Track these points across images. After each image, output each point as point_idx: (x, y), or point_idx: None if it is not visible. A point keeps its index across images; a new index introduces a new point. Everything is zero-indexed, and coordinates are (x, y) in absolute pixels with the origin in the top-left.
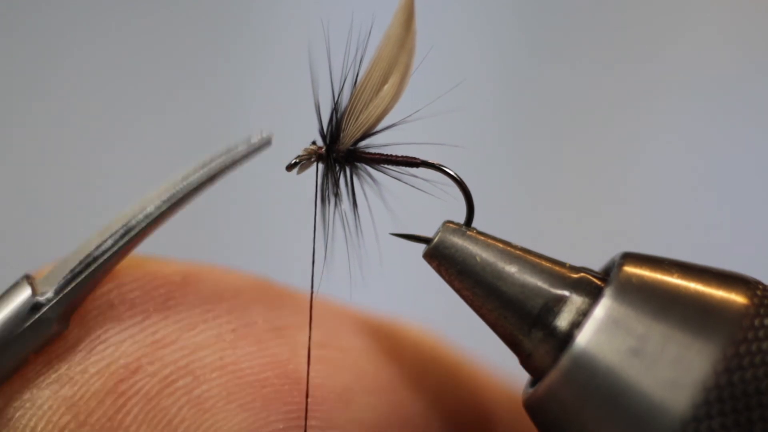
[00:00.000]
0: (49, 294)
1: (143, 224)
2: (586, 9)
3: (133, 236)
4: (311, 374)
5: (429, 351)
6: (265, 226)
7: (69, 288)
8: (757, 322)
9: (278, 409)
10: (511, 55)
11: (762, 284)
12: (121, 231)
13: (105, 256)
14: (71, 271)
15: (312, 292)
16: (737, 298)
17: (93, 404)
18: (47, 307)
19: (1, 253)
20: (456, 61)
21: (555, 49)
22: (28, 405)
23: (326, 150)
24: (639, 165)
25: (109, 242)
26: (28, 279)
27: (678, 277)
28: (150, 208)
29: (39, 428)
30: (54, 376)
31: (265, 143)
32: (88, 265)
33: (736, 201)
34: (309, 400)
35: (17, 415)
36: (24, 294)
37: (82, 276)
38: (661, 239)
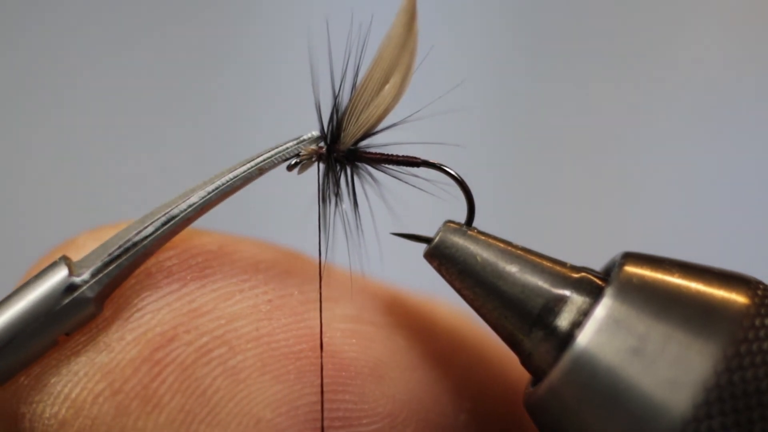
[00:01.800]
0: (86, 276)
1: (186, 213)
2: (585, 9)
3: (174, 224)
4: (345, 347)
5: (459, 329)
6: (265, 226)
7: (106, 271)
8: (757, 322)
9: (312, 381)
10: (512, 55)
11: (762, 284)
12: (163, 218)
13: (145, 243)
14: (110, 254)
15: (321, 293)
16: (738, 298)
17: (128, 372)
18: (83, 288)
19: (1, 253)
20: (456, 62)
21: (555, 49)
22: (64, 371)
23: (327, 150)
24: (640, 165)
25: (150, 229)
26: (66, 260)
27: (679, 276)
28: (194, 198)
29: (73, 395)
30: (91, 343)
31: (314, 140)
32: (127, 250)
33: (736, 201)
34: (343, 374)
35: (53, 381)
36: (61, 274)
37: (120, 261)
38: (661, 239)
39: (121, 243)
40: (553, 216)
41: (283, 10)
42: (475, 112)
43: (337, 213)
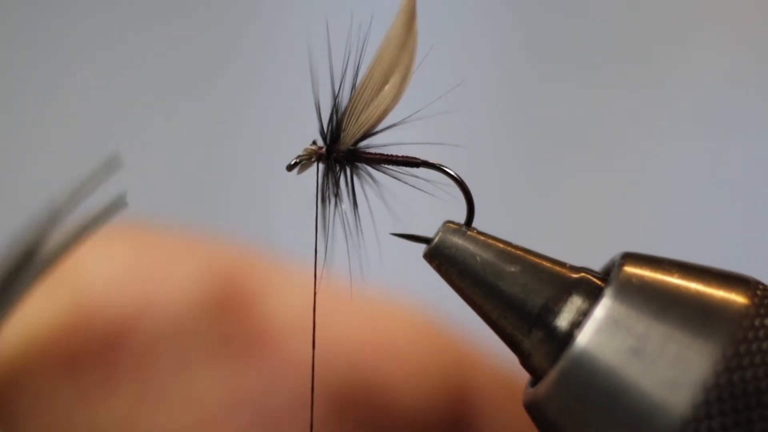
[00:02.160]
0: None
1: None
2: (587, 8)
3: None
4: None
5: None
6: (265, 225)
7: None
8: (757, 322)
9: (261, 370)
10: (512, 55)
11: (762, 284)
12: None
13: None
14: None
15: (315, 292)
16: (737, 298)
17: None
18: None
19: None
20: (456, 61)
21: (555, 49)
22: None
23: (326, 150)
24: (640, 165)
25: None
26: None
27: (678, 277)
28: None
29: None
30: None
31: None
32: None
33: (736, 201)
34: None
35: None
36: None
37: None
38: (661, 239)
39: None
40: (553, 216)
41: (283, 10)
42: (474, 113)
43: (337, 213)
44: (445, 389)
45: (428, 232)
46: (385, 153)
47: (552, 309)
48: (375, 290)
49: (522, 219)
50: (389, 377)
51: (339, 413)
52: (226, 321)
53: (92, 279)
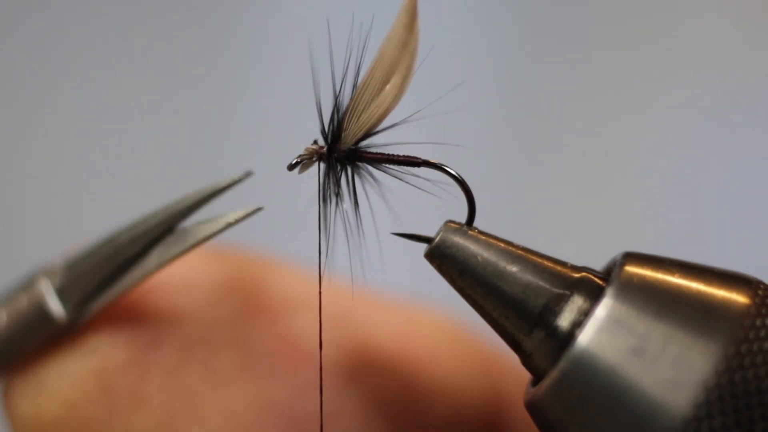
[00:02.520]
0: (69, 306)
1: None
2: (585, 8)
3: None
4: None
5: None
6: (265, 225)
7: (90, 305)
8: (758, 322)
9: (288, 382)
10: (512, 55)
11: (763, 284)
12: (166, 258)
13: (137, 276)
14: (94, 287)
15: (320, 291)
16: (738, 298)
17: (117, 373)
18: (63, 317)
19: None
20: (457, 61)
21: (555, 49)
22: (60, 371)
23: (328, 149)
24: (640, 164)
25: (150, 264)
26: (48, 273)
27: (679, 276)
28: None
29: (68, 394)
30: (85, 346)
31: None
32: (116, 277)
33: (737, 201)
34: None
35: (48, 379)
36: (41, 298)
37: (104, 295)
38: (662, 239)
39: (107, 270)
40: (554, 216)
41: (284, 10)
42: (475, 112)
43: (338, 213)
44: (481, 393)
45: (429, 231)
46: (387, 152)
47: (553, 309)
48: (402, 295)
49: (523, 218)
50: (425, 382)
51: (376, 420)
52: (253, 330)
53: None
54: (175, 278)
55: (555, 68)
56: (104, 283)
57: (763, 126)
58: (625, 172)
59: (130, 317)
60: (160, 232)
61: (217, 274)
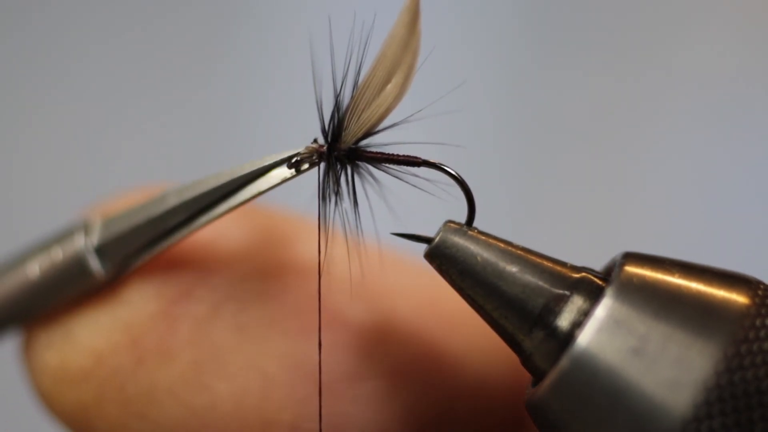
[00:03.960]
0: (107, 265)
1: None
2: (589, 10)
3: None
4: None
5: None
6: None
7: (128, 264)
8: (758, 322)
9: (316, 340)
10: (513, 55)
11: (763, 284)
12: (204, 220)
13: (175, 237)
14: (135, 247)
15: (319, 290)
16: (738, 298)
17: (146, 325)
18: (102, 275)
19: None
20: (458, 61)
21: (557, 50)
22: (89, 323)
23: (328, 148)
24: (641, 165)
25: (184, 230)
26: (86, 229)
27: (679, 277)
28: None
29: (97, 346)
30: (114, 297)
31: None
32: (155, 239)
33: (737, 201)
34: None
35: (78, 331)
36: (80, 254)
37: (143, 255)
38: (662, 239)
39: (150, 233)
40: (554, 216)
41: (285, 9)
42: (476, 113)
43: (337, 212)
44: (505, 360)
45: (429, 231)
46: (387, 152)
47: (553, 309)
48: (424, 264)
49: (523, 218)
50: (451, 348)
51: (399, 386)
52: (283, 288)
53: None
54: (205, 232)
55: (555, 69)
56: (146, 246)
57: (763, 127)
58: (625, 172)
59: (159, 270)
60: (211, 201)
61: (246, 230)
